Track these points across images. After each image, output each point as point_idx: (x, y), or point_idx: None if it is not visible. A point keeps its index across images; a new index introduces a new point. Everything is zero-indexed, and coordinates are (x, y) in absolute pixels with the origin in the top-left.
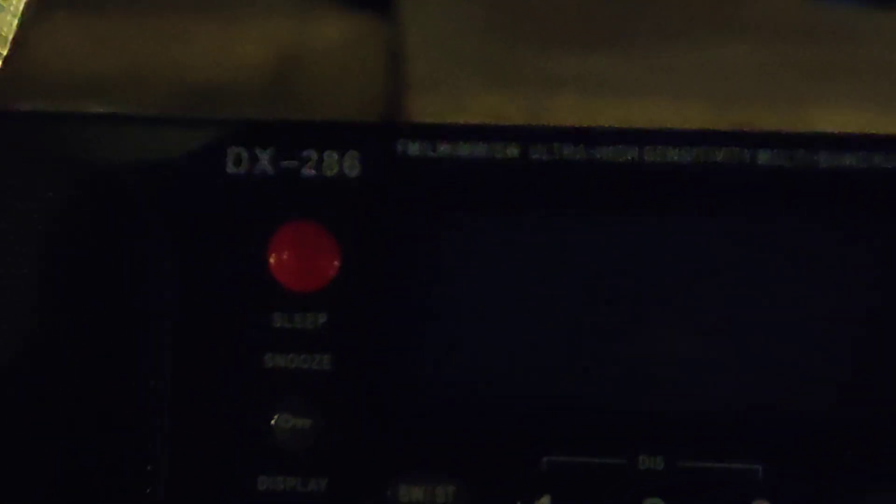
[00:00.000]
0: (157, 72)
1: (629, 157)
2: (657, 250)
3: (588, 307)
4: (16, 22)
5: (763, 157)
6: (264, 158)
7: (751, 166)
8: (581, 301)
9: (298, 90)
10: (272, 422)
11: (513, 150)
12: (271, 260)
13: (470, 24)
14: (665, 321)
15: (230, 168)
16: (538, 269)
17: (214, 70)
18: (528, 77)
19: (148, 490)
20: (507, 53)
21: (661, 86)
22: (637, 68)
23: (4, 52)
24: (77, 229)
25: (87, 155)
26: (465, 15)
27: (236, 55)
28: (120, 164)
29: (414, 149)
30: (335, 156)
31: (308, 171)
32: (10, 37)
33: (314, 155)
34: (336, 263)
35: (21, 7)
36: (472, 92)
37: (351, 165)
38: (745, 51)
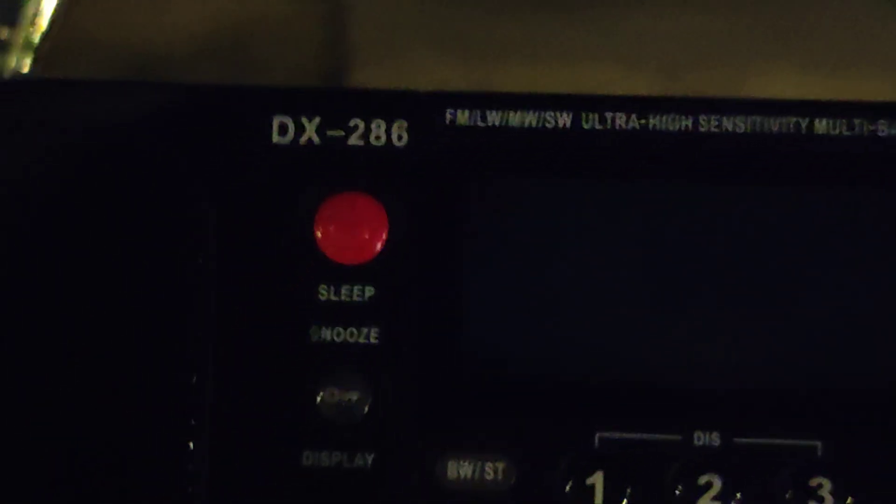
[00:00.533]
0: (100, 37)
1: (682, 126)
2: (713, 222)
3: (641, 280)
4: None
5: (819, 126)
6: (310, 128)
7: (806, 136)
8: (634, 273)
9: (241, 59)
10: (318, 397)
11: (564, 119)
12: (318, 232)
13: None
14: (721, 295)
15: (275, 138)
16: (589, 240)
17: (156, 35)
18: (475, 44)
19: (191, 466)
20: (453, 19)
21: (610, 52)
22: (586, 34)
23: None
24: (118, 203)
25: (127, 125)
26: None
27: (176, 21)
28: (162, 133)
29: (463, 117)
30: (382, 125)
31: (355, 141)
32: None
33: (361, 124)
34: (384, 236)
35: None
36: (418, 60)
37: (399, 135)
38: (697, 17)
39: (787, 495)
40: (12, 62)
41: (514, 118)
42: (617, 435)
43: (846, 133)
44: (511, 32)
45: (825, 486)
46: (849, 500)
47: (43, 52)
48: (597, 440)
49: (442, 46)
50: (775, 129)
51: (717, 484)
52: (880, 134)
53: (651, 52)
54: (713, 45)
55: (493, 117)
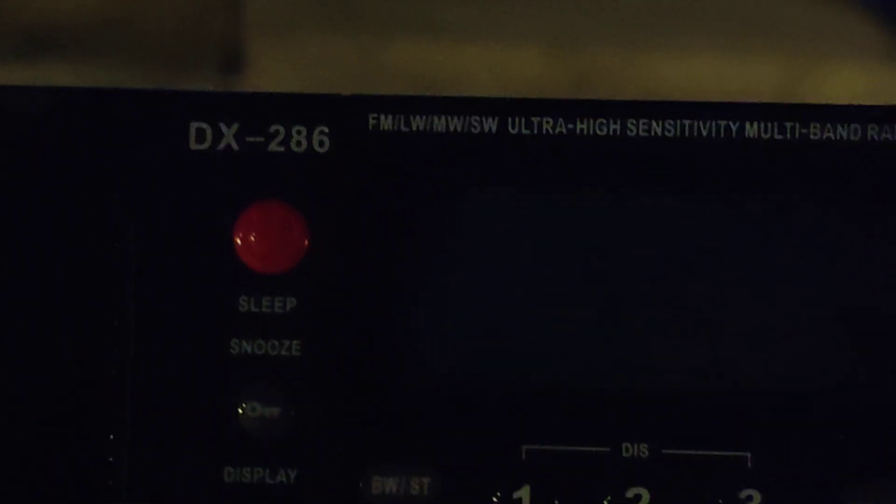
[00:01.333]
0: None
1: (611, 131)
2: (641, 229)
3: (568, 288)
4: None
5: (750, 130)
6: (229, 134)
7: (737, 140)
8: (561, 282)
9: (133, 34)
10: (239, 410)
11: (490, 124)
12: (237, 241)
13: None
14: (648, 303)
15: (193, 144)
16: (517, 247)
17: (41, 13)
18: (364, 20)
19: (110, 481)
20: None
21: (499, 29)
22: (475, 11)
23: None
24: (29, 210)
25: (38, 129)
26: None
27: None
28: (76, 138)
29: (387, 123)
30: (304, 131)
31: (275, 147)
32: None
33: (281, 130)
34: (305, 244)
35: None
36: (309, 35)
37: (320, 140)
38: None
39: None
40: None
41: (439, 123)
42: (544, 447)
43: (777, 136)
44: (401, 9)
45: (755, 499)
46: None
47: None
48: (524, 452)
49: (333, 22)
50: (705, 133)
51: (646, 496)
52: (812, 137)
53: (539, 27)
54: (602, 21)
55: (418, 122)
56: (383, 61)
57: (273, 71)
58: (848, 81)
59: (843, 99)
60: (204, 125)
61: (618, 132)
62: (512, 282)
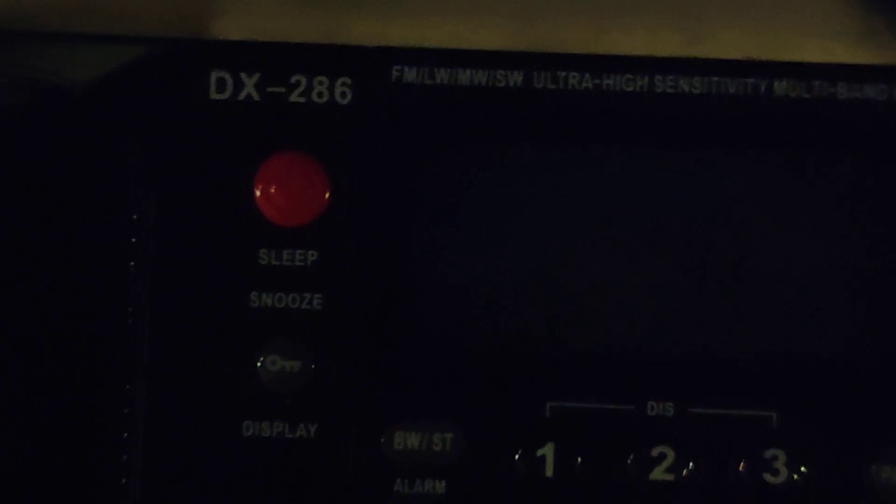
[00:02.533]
0: None
1: (637, 87)
2: (667, 188)
3: (594, 248)
4: None
5: (778, 87)
6: (250, 83)
7: (765, 98)
8: (587, 242)
9: (91, 5)
10: (258, 364)
11: (516, 78)
12: (257, 193)
13: None
14: (675, 264)
15: (213, 93)
16: (540, 206)
17: None
18: None
19: (126, 434)
20: None
21: (458, 3)
22: None
23: None
24: (48, 159)
25: (60, 75)
26: None
27: None
28: (95, 86)
29: (411, 75)
30: (325, 81)
31: (296, 98)
32: None
33: (303, 80)
34: (326, 197)
35: None
36: (269, 10)
37: (342, 92)
38: None
39: (739, 467)
40: None
41: (464, 76)
42: (568, 404)
43: (805, 95)
44: None
45: (780, 458)
46: (802, 470)
47: None
48: (548, 409)
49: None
50: (733, 90)
51: (671, 455)
52: (840, 97)
53: (501, 2)
54: None
55: (442, 75)
56: (343, 37)
57: None
58: (821, 60)
59: None
60: (225, 74)
61: (644, 88)
62: (537, 242)
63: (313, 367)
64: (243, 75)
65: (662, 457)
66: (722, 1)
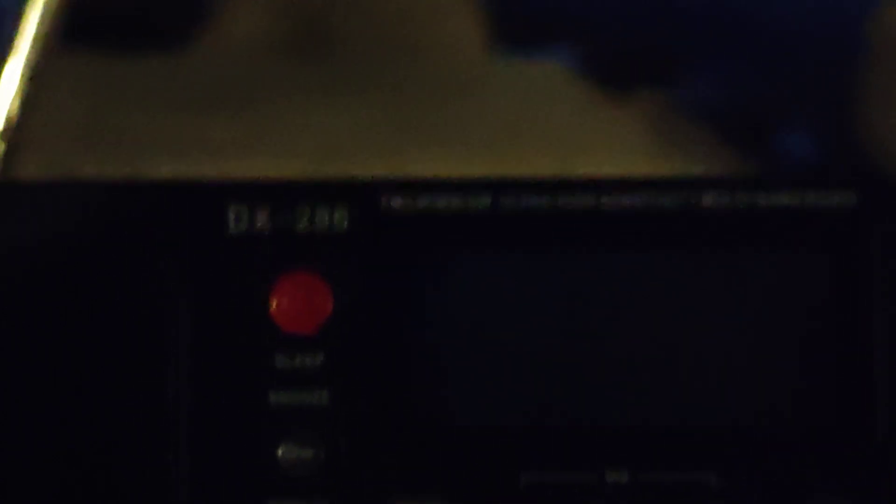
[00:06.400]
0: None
1: (588, 204)
2: (615, 284)
3: (558, 337)
4: None
5: (707, 199)
6: (262, 215)
7: (695, 208)
8: (551, 332)
9: None
10: (278, 452)
11: (485, 201)
12: (272, 307)
13: (82, 86)
14: (625, 350)
15: (232, 226)
16: (509, 304)
17: None
18: (126, 138)
19: None
20: (107, 114)
21: (266, 146)
22: (242, 128)
23: None
24: (101, 288)
25: (104, 221)
26: (77, 76)
27: None
28: (138, 227)
29: (397, 202)
30: (326, 210)
31: (302, 226)
32: None
33: (307, 211)
34: (330, 308)
35: None
36: (72, 155)
37: (340, 219)
38: (352, 107)
39: None
40: None
41: (441, 202)
42: (539, 476)
43: (729, 206)
44: (166, 126)
45: None
46: None
47: None
48: (522, 481)
49: (96, 142)
50: (668, 203)
51: None
52: (760, 204)
53: (308, 143)
54: (371, 135)
55: (423, 201)
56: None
57: None
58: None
59: None
60: (241, 208)
61: (593, 205)
62: (509, 335)
63: (324, 453)
64: (257, 208)
65: None
66: (536, 121)
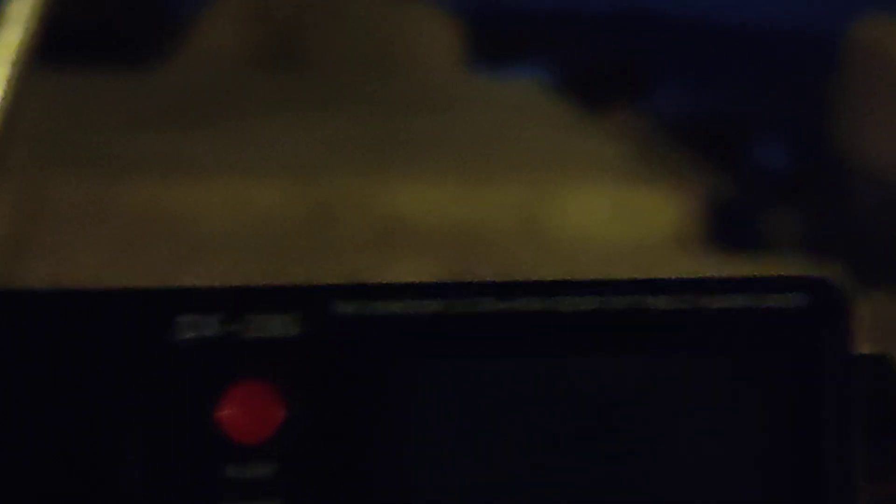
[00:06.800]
0: None
1: (541, 307)
2: (568, 389)
3: (507, 441)
4: None
5: (660, 302)
6: (212, 323)
7: (648, 311)
8: (500, 436)
9: None
10: None
11: (436, 306)
12: (222, 416)
13: (56, 107)
14: (583, 451)
15: (179, 335)
16: (467, 408)
17: None
18: (106, 159)
19: None
20: (87, 135)
21: (241, 163)
22: (218, 145)
23: None
24: (45, 400)
25: (47, 331)
26: (51, 96)
27: None
28: (84, 337)
29: (347, 308)
30: (276, 317)
31: (253, 333)
32: None
33: (257, 317)
34: (282, 417)
35: None
36: (48, 174)
37: (290, 325)
38: (329, 124)
39: None
40: None
41: (392, 306)
42: None
43: (679, 307)
44: (141, 144)
45: None
46: None
47: None
48: None
49: (73, 160)
50: (618, 306)
51: None
52: (704, 306)
53: (281, 159)
54: (343, 152)
55: (373, 307)
56: (124, 200)
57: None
58: (590, 201)
59: (585, 219)
60: (190, 317)
61: (546, 307)
62: (467, 441)
63: None
64: (206, 316)
65: None
66: (500, 149)
